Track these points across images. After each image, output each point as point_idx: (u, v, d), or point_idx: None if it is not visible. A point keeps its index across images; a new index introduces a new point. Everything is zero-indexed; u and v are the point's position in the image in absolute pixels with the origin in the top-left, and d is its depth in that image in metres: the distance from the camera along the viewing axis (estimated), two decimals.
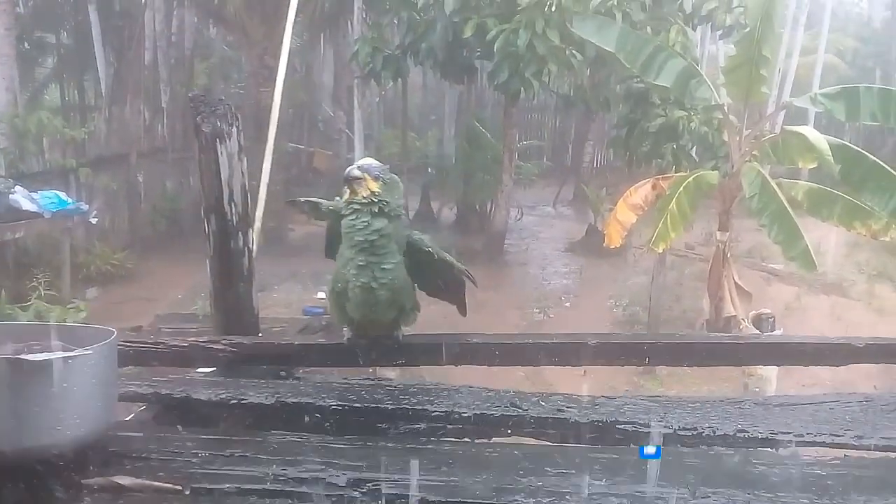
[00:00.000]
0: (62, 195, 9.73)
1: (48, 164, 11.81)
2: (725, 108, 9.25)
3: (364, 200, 1.83)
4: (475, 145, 15.44)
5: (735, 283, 9.48)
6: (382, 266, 1.87)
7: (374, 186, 1.85)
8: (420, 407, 1.57)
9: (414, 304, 2.04)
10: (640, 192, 8.91)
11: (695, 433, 1.49)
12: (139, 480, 1.14)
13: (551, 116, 23.63)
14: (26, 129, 11.15)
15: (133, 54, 15.15)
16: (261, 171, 10.59)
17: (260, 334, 2.24)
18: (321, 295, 8.42)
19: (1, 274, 9.11)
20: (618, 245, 8.65)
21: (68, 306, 8.25)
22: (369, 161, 1.89)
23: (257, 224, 10.19)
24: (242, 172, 2.04)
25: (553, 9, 9.45)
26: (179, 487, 1.12)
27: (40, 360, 1.09)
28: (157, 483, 1.13)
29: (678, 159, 11.08)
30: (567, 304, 11.31)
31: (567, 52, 10.29)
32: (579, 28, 8.56)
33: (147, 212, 13.46)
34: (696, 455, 1.42)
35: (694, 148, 11.12)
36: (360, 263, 1.86)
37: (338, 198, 2.13)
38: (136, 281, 11.39)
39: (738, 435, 1.49)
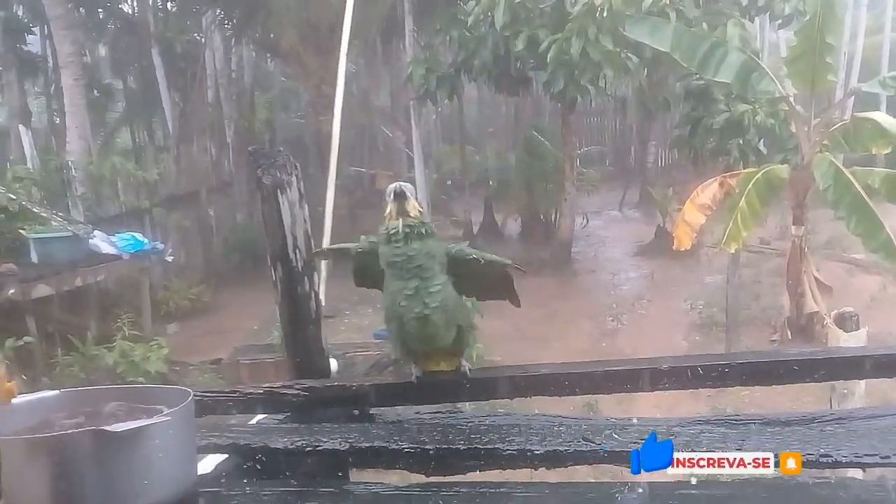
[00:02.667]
0: (138, 236, 10.08)
1: (123, 207, 12.26)
2: (791, 98, 8.99)
3: (413, 222, 1.81)
4: (535, 155, 15.39)
5: (815, 277, 9.19)
6: (430, 290, 1.83)
7: (416, 206, 1.84)
8: (492, 446, 1.57)
9: (469, 322, 2.00)
10: (708, 191, 8.72)
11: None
12: None
13: (611, 120, 23.40)
14: (101, 174, 11.64)
15: (196, 93, 15.69)
16: (325, 198, 10.84)
17: (335, 371, 2.28)
18: None
19: (85, 316, 9.47)
20: (688, 247, 8.48)
21: (150, 343, 8.52)
22: (400, 183, 1.87)
23: (325, 246, 10.48)
24: (305, 219, 2.09)
25: (604, 14, 9.36)
26: None
27: (123, 431, 1.13)
28: None
29: (745, 154, 10.82)
30: (641, 311, 11.11)
31: (622, 56, 10.19)
32: (632, 31, 8.47)
33: (219, 245, 13.86)
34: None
35: (761, 141, 10.83)
36: (409, 293, 1.83)
37: (363, 237, 2.11)
38: (212, 314, 11.71)
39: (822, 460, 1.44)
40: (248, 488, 1.44)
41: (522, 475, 1.83)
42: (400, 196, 1.84)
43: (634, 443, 1.53)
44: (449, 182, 20.39)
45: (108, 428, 1.14)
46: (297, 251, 2.04)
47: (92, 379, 8.21)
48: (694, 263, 12.81)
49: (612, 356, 9.33)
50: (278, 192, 1.99)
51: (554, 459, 1.55)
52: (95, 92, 19.16)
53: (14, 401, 1.39)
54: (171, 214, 12.76)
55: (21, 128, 11.98)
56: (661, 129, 17.85)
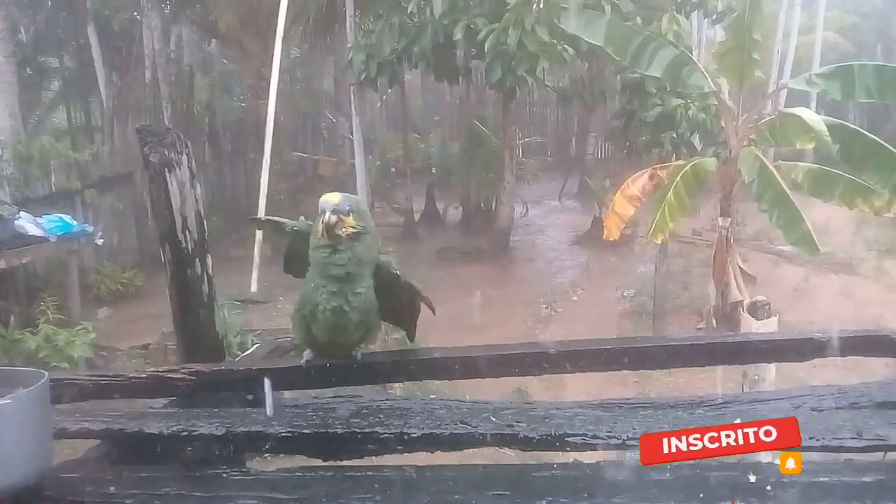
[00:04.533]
0: (67, 218, 9.79)
1: (54, 188, 11.89)
2: (725, 93, 9.18)
3: (343, 241, 1.82)
4: (476, 144, 15.45)
5: (740, 268, 9.42)
6: (356, 291, 1.86)
7: (351, 221, 1.82)
8: (370, 430, 1.57)
9: (378, 324, 2.03)
10: (638, 182, 8.86)
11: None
12: None
13: (552, 111, 23.60)
14: (30, 154, 11.24)
15: (133, 73, 15.28)
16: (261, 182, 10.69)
17: (236, 357, 2.25)
18: None
19: (10, 300, 9.18)
20: (616, 238, 8.62)
21: (77, 328, 8.29)
22: (336, 198, 1.84)
23: (259, 236, 10.32)
24: (196, 199, 2.04)
25: (541, 6, 9.42)
26: None
27: None
28: None
29: (678, 147, 11.03)
30: (574, 298, 11.28)
31: (559, 48, 10.26)
32: (567, 24, 8.53)
33: (153, 229, 13.52)
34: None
35: (693, 135, 11.06)
36: (333, 290, 1.85)
37: (302, 218, 2.11)
38: (145, 299, 11.46)
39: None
40: (106, 474, 1.41)
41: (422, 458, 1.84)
42: (328, 226, 1.83)
43: (509, 425, 1.55)
44: (392, 169, 20.31)
45: None
46: (188, 232, 2.00)
47: (14, 364, 7.98)
48: (628, 253, 13.04)
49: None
50: (166, 171, 1.95)
51: (430, 443, 1.56)
52: (28, 70, 18.52)
53: None
54: (103, 197, 12.41)
55: None
56: (601, 120, 18.04)
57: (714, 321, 9.32)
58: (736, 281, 9.12)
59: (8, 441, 1.17)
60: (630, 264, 12.58)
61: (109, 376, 1.91)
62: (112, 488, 1.30)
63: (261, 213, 10.17)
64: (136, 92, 15.29)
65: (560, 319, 10.22)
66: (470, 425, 1.55)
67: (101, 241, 10.66)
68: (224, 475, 1.39)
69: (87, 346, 8.10)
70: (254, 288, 9.19)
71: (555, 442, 1.51)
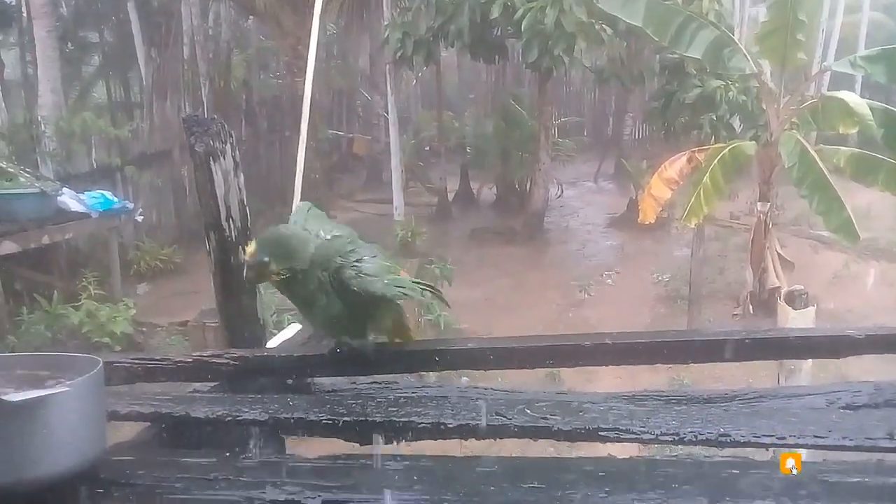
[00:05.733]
0: (108, 194, 9.98)
1: (94, 164, 12.10)
2: (767, 75, 9.03)
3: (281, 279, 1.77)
4: (511, 123, 15.39)
5: (778, 254, 9.34)
6: (313, 311, 1.84)
7: (272, 267, 1.75)
8: (407, 419, 1.61)
9: (363, 332, 1.93)
10: (676, 165, 8.78)
11: (676, 437, 1.50)
12: None
13: (590, 90, 23.36)
14: (71, 130, 11.46)
15: (172, 50, 15.44)
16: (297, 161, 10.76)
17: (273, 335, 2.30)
18: None
19: (52, 275, 9.41)
20: (652, 221, 8.56)
21: (118, 304, 8.49)
22: (251, 249, 1.75)
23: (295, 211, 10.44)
24: (239, 188, 2.09)
25: None
26: None
27: (21, 401, 1.16)
28: None
29: (717, 130, 10.89)
30: (609, 282, 11.24)
31: (596, 28, 10.15)
32: (605, 3, 8.44)
33: (192, 206, 13.72)
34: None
35: (733, 117, 10.90)
36: (301, 306, 1.88)
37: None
38: (183, 275, 11.65)
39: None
40: (156, 457, 1.47)
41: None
42: (247, 280, 1.82)
43: (543, 417, 1.58)
44: (427, 148, 20.32)
45: (4, 397, 1.16)
46: (231, 220, 2.05)
47: (58, 338, 8.20)
48: (664, 236, 12.94)
49: (577, 327, 9.46)
50: (211, 160, 1.99)
51: (465, 432, 1.59)
52: (69, 45, 18.84)
53: None
54: (143, 173, 12.62)
55: None
56: (639, 100, 17.85)
57: (751, 307, 9.26)
58: (774, 267, 9.04)
59: (66, 427, 1.22)
60: (666, 247, 12.49)
61: (157, 360, 1.97)
62: (162, 473, 1.36)
63: (297, 192, 10.24)
64: (174, 68, 15.43)
65: (593, 303, 10.20)
66: (505, 417, 1.58)
67: (142, 217, 10.84)
68: (267, 461, 1.44)
69: (128, 323, 8.30)
70: None
71: (588, 435, 1.53)
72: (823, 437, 1.49)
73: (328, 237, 1.84)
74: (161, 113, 14.18)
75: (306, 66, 11.81)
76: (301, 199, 9.69)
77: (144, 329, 8.86)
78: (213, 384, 1.99)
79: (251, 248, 1.77)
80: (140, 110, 15.56)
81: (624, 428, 1.51)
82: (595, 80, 14.69)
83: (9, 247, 8.43)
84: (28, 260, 9.09)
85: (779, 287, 9.21)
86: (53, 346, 8.10)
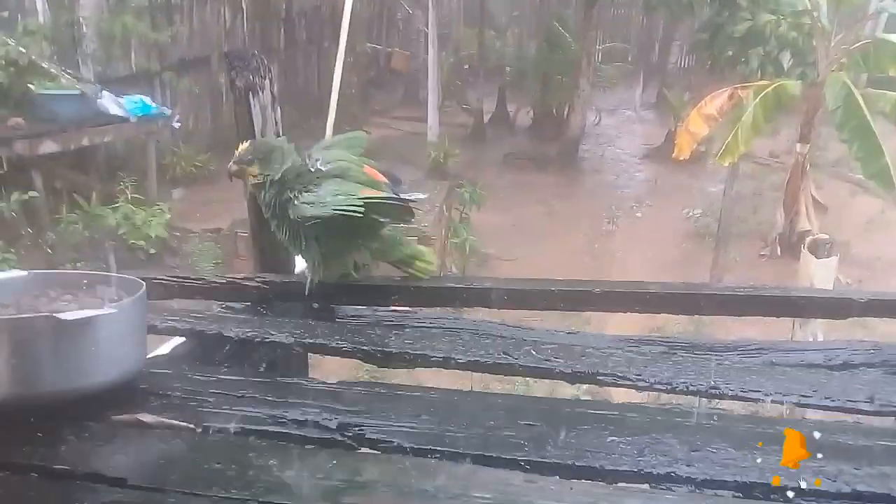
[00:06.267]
0: (147, 100, 10.10)
1: (133, 68, 12.16)
2: (822, 11, 8.75)
3: (255, 182, 1.94)
4: (554, 46, 15.09)
5: (812, 196, 9.24)
6: (271, 229, 1.99)
7: (253, 170, 1.93)
8: (421, 351, 1.73)
9: (315, 259, 2.01)
10: (716, 101, 8.63)
11: (669, 387, 1.61)
12: (158, 418, 1.34)
13: (637, 16, 22.67)
14: (112, 33, 11.50)
15: None
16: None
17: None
18: None
19: (91, 176, 9.63)
20: (686, 157, 8.48)
21: (153, 208, 8.71)
22: (242, 147, 1.94)
23: (329, 126, 10.47)
24: (276, 121, 2.17)
25: None
26: (192, 426, 1.32)
27: (74, 319, 1.29)
28: (173, 421, 1.33)
29: (764, 65, 10.57)
30: (638, 214, 11.23)
31: None
32: None
33: (228, 114, 13.80)
34: None
35: (784, 53, 10.57)
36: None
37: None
38: (217, 182, 11.79)
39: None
40: (190, 372, 1.61)
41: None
42: (229, 173, 1.98)
43: (547, 359, 1.69)
44: (466, 66, 20.04)
45: (59, 315, 1.29)
46: None
47: (95, 238, 8.48)
48: (700, 171, 12.80)
49: (601, 258, 9.54)
50: (250, 94, 2.07)
51: (473, 368, 1.71)
52: None
53: None
54: (181, 79, 12.68)
55: None
56: (687, 29, 17.34)
57: (779, 249, 9.25)
58: (806, 210, 8.97)
59: (112, 343, 1.36)
60: (701, 183, 12.38)
61: (192, 279, 2.11)
62: (195, 387, 1.50)
63: (332, 107, 10.24)
64: None
65: (621, 235, 10.23)
66: (511, 356, 1.69)
67: (179, 124, 10.96)
68: (290, 383, 1.57)
69: (163, 227, 8.53)
70: None
71: (587, 379, 1.64)
72: (807, 397, 1.59)
73: (316, 167, 1.95)
74: (200, 18, 14.12)
75: None
76: (334, 114, 9.79)
77: (178, 234, 9.10)
78: (244, 304, 2.14)
79: (244, 146, 1.95)
80: (180, 14, 15.46)
81: (621, 374, 1.61)
82: (643, 7, 14.27)
83: (49, 146, 8.63)
84: (67, 160, 9.30)
85: (809, 230, 9.17)
86: (91, 245, 8.40)
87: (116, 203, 8.62)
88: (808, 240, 4.99)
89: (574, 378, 1.64)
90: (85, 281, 1.62)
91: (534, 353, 1.73)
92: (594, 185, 12.97)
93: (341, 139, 2.23)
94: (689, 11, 12.38)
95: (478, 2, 17.11)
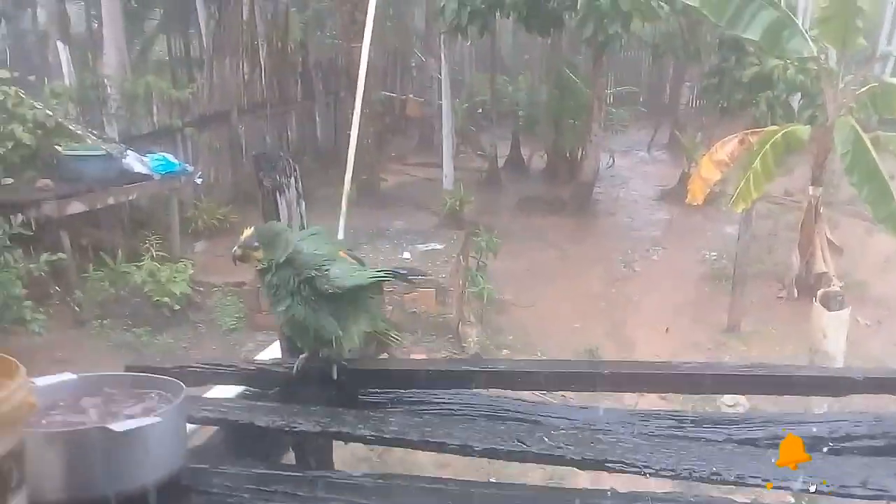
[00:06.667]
0: (170, 157, 10.36)
1: (156, 125, 12.50)
2: (828, 57, 8.89)
3: (260, 268, 2.07)
4: (566, 91, 15.33)
5: (827, 238, 9.28)
6: (278, 309, 2.12)
7: (258, 255, 2.06)
8: (440, 440, 1.84)
9: (333, 335, 2.16)
10: (727, 147, 8.74)
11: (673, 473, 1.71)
12: None
13: (646, 58, 22.96)
14: (135, 92, 11.86)
15: (232, 9, 15.67)
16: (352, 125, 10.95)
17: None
18: (407, 255, 8.78)
19: (117, 234, 9.87)
20: (700, 202, 8.58)
21: (177, 265, 8.91)
22: (246, 233, 2.07)
23: (348, 177, 10.68)
24: (301, 215, 2.33)
25: None
26: None
27: (125, 431, 1.42)
28: None
29: (773, 108, 10.76)
30: (654, 258, 11.30)
31: (653, 5, 10.06)
32: None
33: (248, 166, 14.11)
34: None
35: (790, 97, 10.74)
36: (272, 310, 2.16)
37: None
38: (239, 234, 12.01)
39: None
40: (226, 465, 1.73)
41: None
42: (233, 258, 2.09)
43: (558, 447, 1.79)
44: (479, 111, 20.35)
45: (110, 427, 1.43)
46: None
47: (121, 295, 8.67)
48: (714, 212, 12.85)
49: (618, 303, 9.60)
50: (277, 193, 2.23)
51: (490, 454, 1.82)
52: (133, 2, 19.27)
53: (38, 382, 1.67)
54: (201, 134, 13.01)
55: (59, 44, 12.16)
56: (697, 70, 17.57)
57: (795, 291, 9.28)
58: (822, 252, 9.01)
59: (158, 448, 1.49)
60: (716, 224, 12.44)
61: (224, 366, 2.24)
62: (232, 482, 1.62)
63: (350, 156, 10.45)
64: (234, 29, 15.69)
65: (637, 279, 10.31)
66: (525, 444, 1.79)
67: (201, 180, 11.24)
68: (318, 476, 1.69)
69: (186, 283, 8.71)
70: (340, 236, 9.57)
71: (597, 465, 1.74)
72: (807, 483, 1.68)
73: (311, 251, 2.12)
74: (220, 74, 14.50)
75: (362, 30, 12.00)
76: (353, 162, 10.02)
77: (202, 288, 9.27)
78: (273, 390, 2.27)
79: (247, 232, 2.08)
80: (199, 69, 15.87)
81: (628, 462, 1.72)
82: (650, 55, 14.51)
83: (76, 206, 8.89)
84: (93, 219, 9.57)
85: (825, 272, 9.21)
86: (117, 302, 8.60)
87: (141, 260, 8.83)
88: (819, 292, 5.05)
89: (584, 465, 1.75)
90: (125, 382, 1.75)
91: (546, 440, 1.84)
92: (609, 227, 13.07)
93: (306, 233, 2.33)
94: (695, 58, 12.61)
95: (489, 47, 17.44)
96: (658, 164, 17.77)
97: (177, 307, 8.45)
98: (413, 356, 7.64)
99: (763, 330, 8.66)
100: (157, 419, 1.49)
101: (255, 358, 2.38)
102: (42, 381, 1.70)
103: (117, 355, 7.77)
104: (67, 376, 1.75)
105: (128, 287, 8.59)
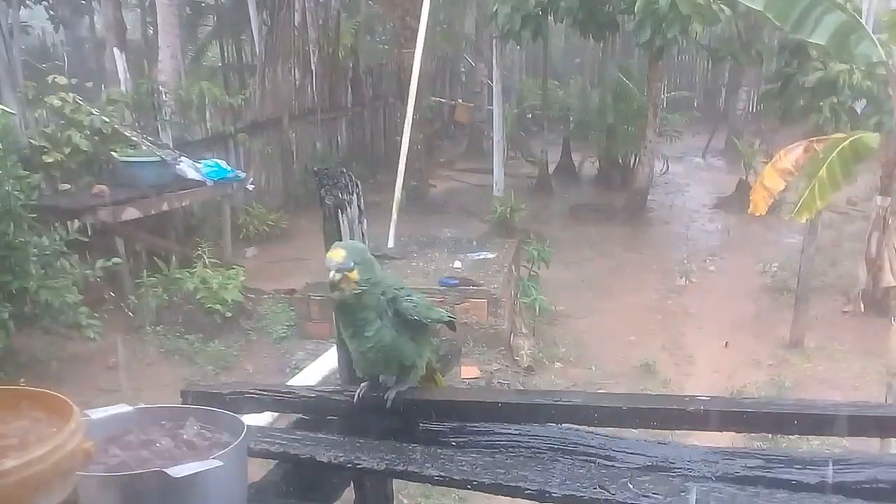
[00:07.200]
0: (222, 164, 10.43)
1: (209, 131, 12.61)
2: (893, 60, 8.53)
3: (347, 295, 1.93)
4: (619, 97, 15.06)
5: None
6: (365, 334, 1.99)
7: (355, 276, 1.91)
8: (515, 484, 1.70)
9: (412, 360, 2.10)
10: (791, 156, 8.40)
11: None
12: None
13: (702, 62, 22.52)
14: (189, 99, 11.99)
15: (284, 15, 15.77)
16: (403, 130, 10.89)
17: None
18: (458, 264, 8.65)
19: (170, 240, 9.95)
20: (763, 213, 8.27)
21: (229, 271, 8.92)
22: (341, 255, 1.90)
23: (399, 184, 10.62)
24: (363, 234, 2.22)
25: None
26: None
27: (183, 477, 1.31)
28: None
29: (837, 114, 10.36)
30: (711, 269, 10.97)
31: (714, 8, 9.77)
32: None
33: (299, 172, 14.17)
34: None
35: (856, 103, 10.34)
36: (349, 333, 2.03)
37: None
38: (289, 240, 12.08)
39: None
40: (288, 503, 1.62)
41: None
42: (332, 284, 1.92)
43: (645, 496, 1.64)
44: (529, 115, 20.17)
45: (168, 471, 1.32)
46: None
47: (174, 300, 8.72)
48: (774, 221, 12.43)
49: (675, 315, 9.33)
50: (339, 211, 2.12)
51: (570, 501, 1.68)
52: (188, 9, 19.58)
53: (92, 415, 1.58)
54: (253, 140, 13.09)
55: (115, 51, 12.36)
56: (754, 75, 17.11)
57: (862, 306, 8.91)
58: (891, 265, 8.65)
59: (215, 493, 1.38)
60: (775, 234, 12.05)
61: (283, 392, 2.14)
62: None
63: (402, 161, 10.40)
64: (285, 35, 15.78)
65: (695, 291, 10.00)
66: (608, 491, 1.65)
67: (252, 186, 11.29)
68: None
69: (238, 290, 8.72)
70: (391, 244, 9.51)
71: None
72: None
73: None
74: (273, 79, 14.58)
75: (413, 38, 11.95)
76: (404, 170, 9.96)
77: (252, 295, 9.27)
78: (332, 418, 2.16)
79: (339, 253, 1.91)
80: (251, 75, 16.00)
81: None
82: (709, 60, 14.15)
83: (131, 213, 8.99)
84: (147, 225, 9.65)
85: (894, 286, 8.82)
86: (170, 308, 8.64)
87: (194, 266, 8.86)
88: None
89: None
90: (184, 415, 1.66)
91: (630, 486, 1.69)
92: (664, 236, 12.75)
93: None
94: (756, 62, 12.24)
95: (539, 52, 17.24)
96: (714, 170, 17.35)
97: (228, 314, 8.46)
98: (464, 367, 7.52)
99: (828, 346, 8.31)
100: (218, 462, 1.38)
101: (299, 378, 2.27)
102: (97, 413, 1.61)
103: (170, 362, 7.82)
104: (123, 408, 1.66)
105: (180, 293, 8.62)
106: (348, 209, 2.13)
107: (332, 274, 1.90)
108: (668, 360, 8.12)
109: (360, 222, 2.20)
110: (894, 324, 4.60)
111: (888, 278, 8.66)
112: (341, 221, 2.13)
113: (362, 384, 2.09)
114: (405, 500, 5.21)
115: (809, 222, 8.97)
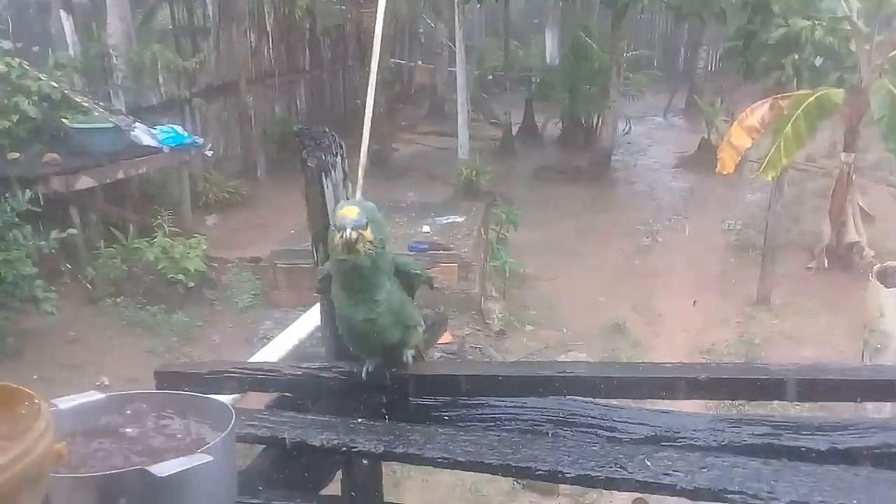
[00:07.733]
0: (179, 129, 10.06)
1: (163, 96, 12.17)
2: (855, 15, 8.53)
3: (360, 257, 1.79)
4: (581, 56, 14.90)
5: (859, 206, 9.00)
6: (375, 298, 1.86)
7: (369, 235, 1.78)
8: (524, 465, 1.59)
9: (416, 321, 2.03)
10: (757, 113, 8.39)
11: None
12: None
13: (662, 20, 22.42)
14: (141, 62, 11.51)
15: None
16: (365, 93, 10.61)
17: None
18: (426, 229, 8.51)
19: (127, 209, 9.62)
20: (731, 171, 8.26)
21: (190, 240, 8.66)
22: (354, 213, 1.75)
23: (364, 148, 10.38)
24: (347, 198, 2.07)
25: None
26: None
27: (168, 475, 1.17)
28: None
29: (799, 71, 10.33)
30: (677, 228, 10.99)
31: None
32: None
33: (257, 137, 13.81)
34: None
35: (818, 59, 10.31)
36: (356, 302, 1.88)
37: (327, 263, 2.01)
38: (250, 207, 11.78)
39: None
40: (277, 490, 1.50)
41: None
42: (349, 244, 1.76)
43: (666, 473, 1.54)
44: (490, 77, 19.91)
45: (152, 470, 1.18)
46: None
47: (133, 271, 8.44)
48: (737, 180, 12.50)
49: (642, 274, 9.34)
50: (322, 174, 1.96)
51: (583, 482, 1.58)
52: None
53: (60, 404, 1.42)
54: (210, 105, 12.69)
55: (62, 13, 11.77)
56: (714, 33, 17.07)
57: (826, 261, 9.00)
58: (854, 221, 8.74)
59: (203, 490, 1.25)
60: (738, 192, 12.09)
61: (265, 371, 2.00)
62: None
63: (366, 127, 10.13)
64: None
65: (660, 250, 10.02)
66: (626, 470, 1.55)
67: (211, 152, 10.93)
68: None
69: (201, 259, 8.47)
70: None
71: (712, 497, 1.50)
72: None
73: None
74: (227, 42, 14.11)
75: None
76: (368, 132, 9.72)
77: (216, 264, 9.03)
78: (321, 401, 2.02)
79: (352, 210, 1.76)
80: (205, 38, 15.46)
81: (752, 492, 1.46)
82: (672, 18, 14.03)
83: (85, 181, 8.61)
84: (103, 194, 9.29)
85: (857, 242, 8.92)
86: (130, 279, 8.37)
87: (154, 235, 8.58)
88: (875, 268, 4.76)
89: (699, 496, 1.50)
90: (165, 402, 1.51)
91: (648, 463, 1.59)
92: (628, 196, 12.74)
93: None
94: (720, 19, 12.16)
95: (500, 11, 16.95)
96: (676, 129, 17.37)
97: (191, 284, 8.22)
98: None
99: (794, 302, 8.40)
100: (206, 457, 1.24)
101: (269, 348, 2.13)
102: (64, 402, 1.45)
103: (133, 334, 7.58)
104: (94, 395, 1.50)
105: (140, 263, 8.35)
106: (332, 172, 1.97)
107: (347, 233, 1.73)
108: (638, 320, 8.14)
109: (346, 186, 2.04)
110: (871, 280, 4.61)
111: (852, 234, 8.75)
112: (325, 185, 1.97)
113: (367, 361, 1.96)
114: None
115: (775, 180, 9.01)
